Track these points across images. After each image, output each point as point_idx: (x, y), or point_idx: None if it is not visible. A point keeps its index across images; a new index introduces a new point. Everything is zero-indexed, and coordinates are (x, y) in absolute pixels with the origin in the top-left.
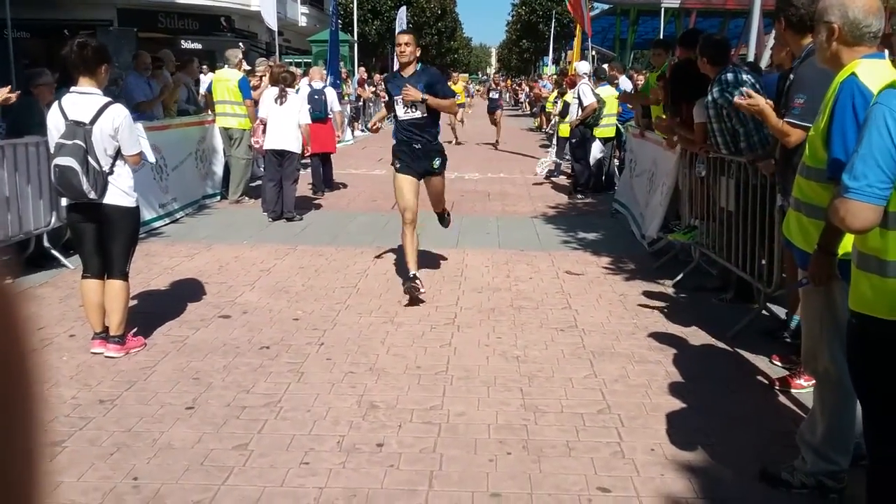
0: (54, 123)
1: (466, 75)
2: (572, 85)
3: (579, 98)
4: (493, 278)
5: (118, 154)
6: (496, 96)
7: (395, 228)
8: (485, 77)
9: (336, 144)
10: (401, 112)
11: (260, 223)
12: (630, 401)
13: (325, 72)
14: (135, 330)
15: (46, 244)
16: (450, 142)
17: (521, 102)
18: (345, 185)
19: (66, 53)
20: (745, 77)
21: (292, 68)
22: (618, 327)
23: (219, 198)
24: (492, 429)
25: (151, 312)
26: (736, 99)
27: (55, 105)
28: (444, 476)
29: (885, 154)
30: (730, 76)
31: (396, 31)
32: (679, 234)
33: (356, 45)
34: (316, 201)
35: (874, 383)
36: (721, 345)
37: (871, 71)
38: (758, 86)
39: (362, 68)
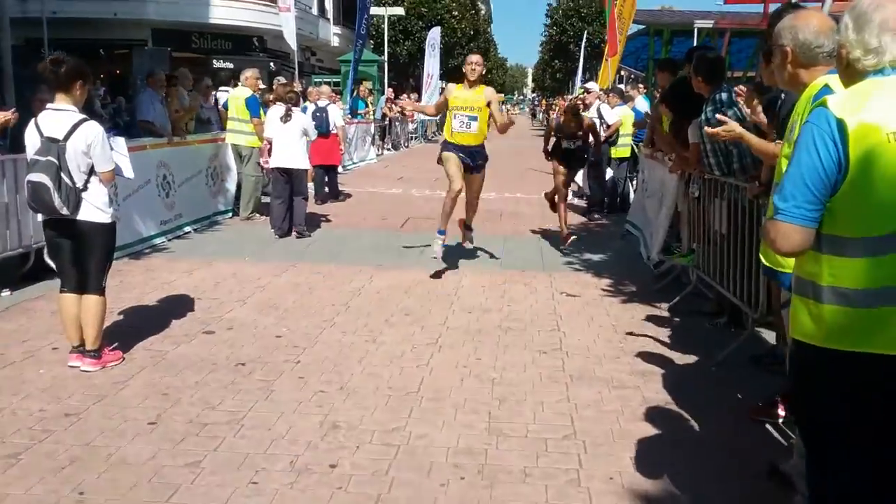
0: (30, 140)
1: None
2: (586, 107)
3: (600, 117)
4: (487, 299)
5: (92, 170)
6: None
7: (399, 247)
8: (521, 97)
9: (340, 156)
10: None
11: (266, 240)
12: (599, 427)
13: (329, 90)
14: (115, 345)
15: (46, 258)
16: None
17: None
18: (349, 195)
19: (42, 70)
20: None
21: (312, 88)
22: (603, 351)
23: (231, 215)
24: (450, 452)
25: (138, 327)
26: (707, 129)
27: (32, 122)
28: (391, 499)
29: (814, 174)
30: (724, 95)
31: (426, 52)
32: (678, 257)
33: (386, 64)
34: (326, 217)
35: (813, 415)
36: (706, 371)
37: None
38: None
39: (390, 88)
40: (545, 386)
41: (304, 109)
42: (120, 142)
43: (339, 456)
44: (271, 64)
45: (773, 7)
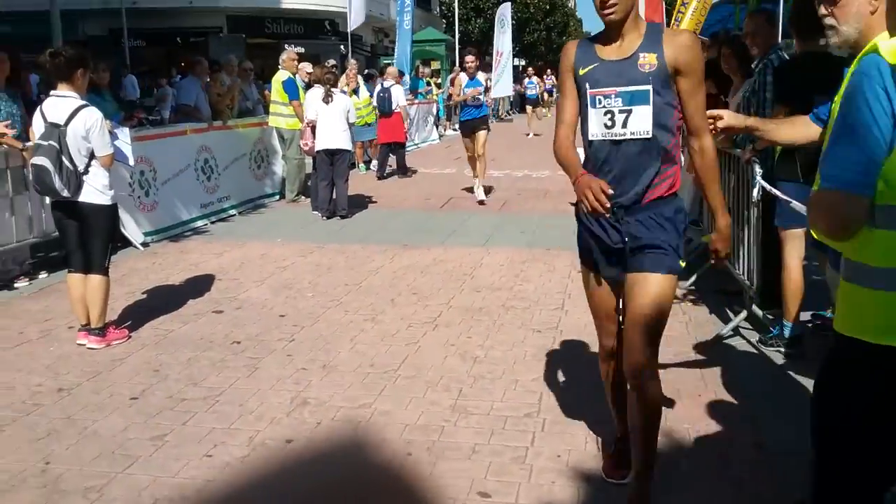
0: (36, 125)
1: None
2: None
3: None
4: (501, 277)
5: (93, 155)
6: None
7: (434, 227)
8: None
9: (404, 134)
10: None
11: (305, 222)
12: (566, 404)
13: (396, 71)
14: (128, 324)
15: None
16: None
17: None
18: (415, 172)
19: (42, 63)
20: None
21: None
22: None
23: (277, 197)
24: (408, 429)
25: (153, 307)
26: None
27: (38, 108)
28: (333, 472)
29: (865, 132)
30: (773, 57)
31: (495, 28)
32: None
33: (456, 43)
34: (371, 199)
35: (844, 427)
36: (696, 350)
37: None
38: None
39: (457, 68)
40: (526, 364)
41: (370, 89)
42: (125, 131)
43: (299, 431)
44: (342, 47)
45: None
